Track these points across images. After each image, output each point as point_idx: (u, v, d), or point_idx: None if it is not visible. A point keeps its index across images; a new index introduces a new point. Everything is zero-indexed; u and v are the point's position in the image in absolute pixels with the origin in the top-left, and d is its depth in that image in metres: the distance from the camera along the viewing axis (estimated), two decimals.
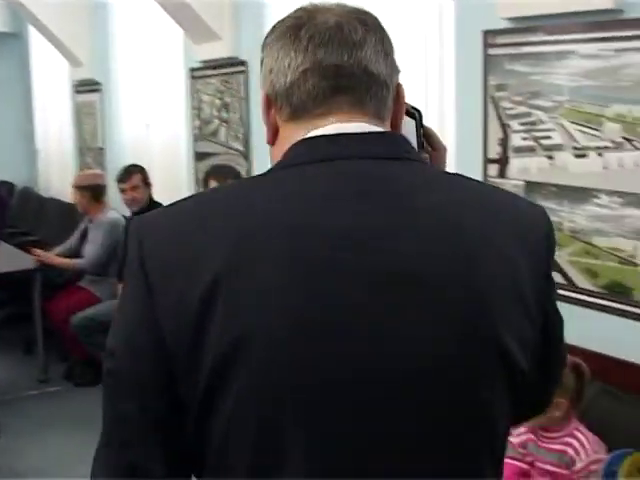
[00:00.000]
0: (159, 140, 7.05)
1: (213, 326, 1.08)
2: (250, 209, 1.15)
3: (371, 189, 1.17)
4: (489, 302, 1.15)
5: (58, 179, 9.08)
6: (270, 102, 1.26)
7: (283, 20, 1.27)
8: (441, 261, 1.14)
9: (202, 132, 6.05)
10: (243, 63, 5.57)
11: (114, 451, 1.18)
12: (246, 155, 5.59)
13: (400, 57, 1.30)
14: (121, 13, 7.55)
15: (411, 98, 1.36)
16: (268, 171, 1.23)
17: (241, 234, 1.12)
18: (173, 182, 6.75)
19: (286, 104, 1.24)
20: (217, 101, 5.84)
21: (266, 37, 1.28)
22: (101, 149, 7.96)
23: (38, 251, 6.21)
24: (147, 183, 5.95)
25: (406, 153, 1.24)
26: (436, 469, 1.14)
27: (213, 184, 5.14)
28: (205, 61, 5.93)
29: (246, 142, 5.59)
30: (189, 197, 1.24)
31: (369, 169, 1.19)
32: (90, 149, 8.23)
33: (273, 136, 1.29)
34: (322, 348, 1.09)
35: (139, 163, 6.23)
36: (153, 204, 5.94)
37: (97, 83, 7.88)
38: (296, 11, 1.27)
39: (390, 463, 1.12)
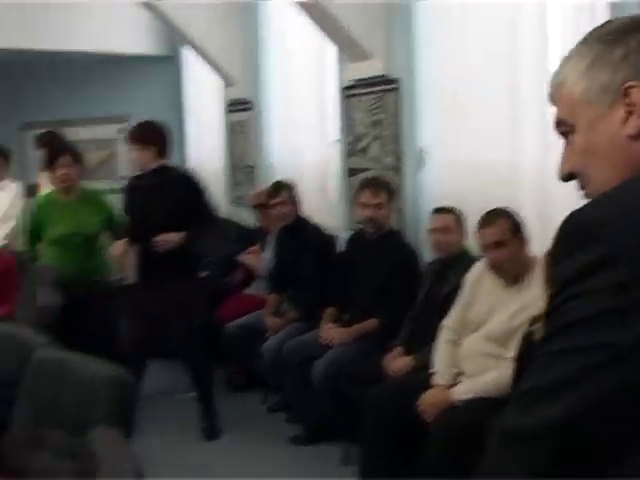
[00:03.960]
0: (309, 157, 7.28)
1: None
2: None
3: None
4: None
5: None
6: None
7: None
8: None
9: (354, 148, 6.24)
10: (395, 81, 5.74)
11: None
12: (397, 170, 5.75)
13: None
14: (275, 32, 7.84)
15: None
16: None
17: None
18: (323, 199, 6.97)
19: None
20: (370, 118, 6.02)
21: None
22: (252, 167, 8.25)
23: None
24: (295, 199, 6.17)
25: None
26: None
27: (366, 195, 5.33)
28: (358, 80, 6.13)
29: (397, 157, 5.75)
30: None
31: None
32: (241, 167, 8.54)
33: None
34: None
35: (290, 179, 6.48)
36: (300, 220, 6.18)
37: (249, 102, 8.18)
38: None
39: None
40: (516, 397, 1.33)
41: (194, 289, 5.89)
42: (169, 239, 5.58)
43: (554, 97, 1.49)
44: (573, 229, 1.29)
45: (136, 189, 5.90)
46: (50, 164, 6.10)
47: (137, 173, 6.02)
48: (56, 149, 6.23)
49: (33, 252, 6.30)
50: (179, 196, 5.67)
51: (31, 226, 6.20)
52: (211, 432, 5.84)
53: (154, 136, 5.77)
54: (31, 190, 8.23)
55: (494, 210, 4.25)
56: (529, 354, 3.48)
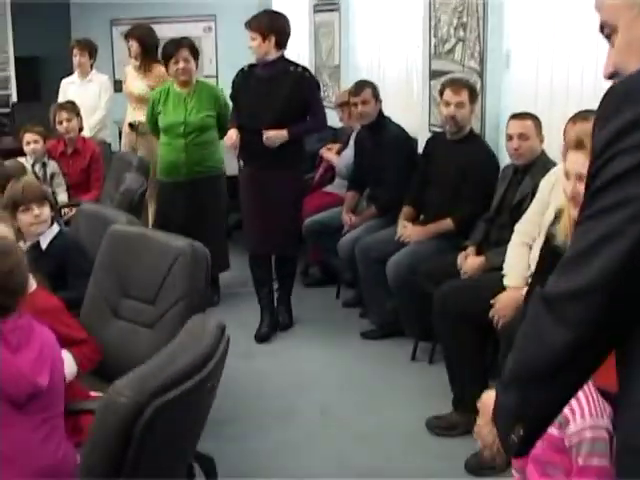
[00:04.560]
0: (394, 58, 7.27)
1: None
2: None
3: None
4: None
5: None
6: None
7: None
8: None
9: (438, 50, 6.21)
10: None
11: None
12: (480, 73, 5.71)
13: None
14: None
15: None
16: None
17: None
18: (406, 99, 6.98)
19: None
20: (455, 20, 5.97)
21: None
22: (337, 67, 8.26)
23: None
24: (377, 98, 6.17)
25: None
26: None
27: (448, 94, 5.30)
28: None
29: (481, 60, 5.71)
30: None
31: None
32: (326, 67, 8.56)
33: None
34: None
35: (373, 80, 6.48)
36: (382, 119, 6.19)
37: (335, 2, 8.14)
38: None
39: None
40: (558, 267, 1.40)
41: (296, 184, 5.92)
42: (274, 136, 5.56)
43: (598, 4, 1.62)
44: (615, 94, 1.40)
45: (249, 79, 5.80)
46: (168, 57, 6.16)
47: (252, 62, 5.86)
48: (174, 43, 6.21)
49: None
50: (293, 91, 5.62)
51: (151, 116, 6.34)
52: (285, 323, 6.00)
53: (276, 26, 5.67)
54: (117, 84, 8.37)
55: (586, 110, 4.20)
56: (550, 255, 3.50)
